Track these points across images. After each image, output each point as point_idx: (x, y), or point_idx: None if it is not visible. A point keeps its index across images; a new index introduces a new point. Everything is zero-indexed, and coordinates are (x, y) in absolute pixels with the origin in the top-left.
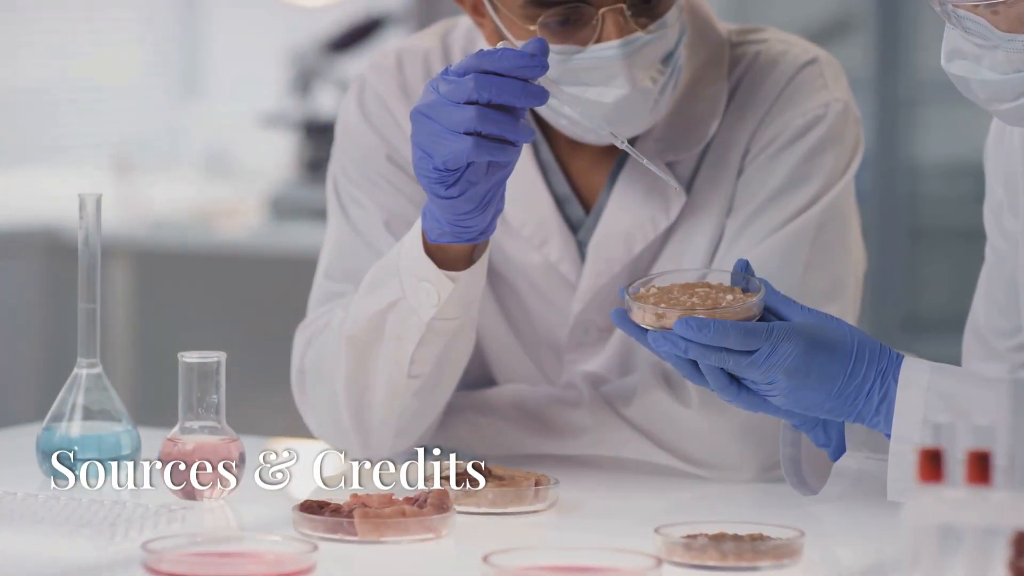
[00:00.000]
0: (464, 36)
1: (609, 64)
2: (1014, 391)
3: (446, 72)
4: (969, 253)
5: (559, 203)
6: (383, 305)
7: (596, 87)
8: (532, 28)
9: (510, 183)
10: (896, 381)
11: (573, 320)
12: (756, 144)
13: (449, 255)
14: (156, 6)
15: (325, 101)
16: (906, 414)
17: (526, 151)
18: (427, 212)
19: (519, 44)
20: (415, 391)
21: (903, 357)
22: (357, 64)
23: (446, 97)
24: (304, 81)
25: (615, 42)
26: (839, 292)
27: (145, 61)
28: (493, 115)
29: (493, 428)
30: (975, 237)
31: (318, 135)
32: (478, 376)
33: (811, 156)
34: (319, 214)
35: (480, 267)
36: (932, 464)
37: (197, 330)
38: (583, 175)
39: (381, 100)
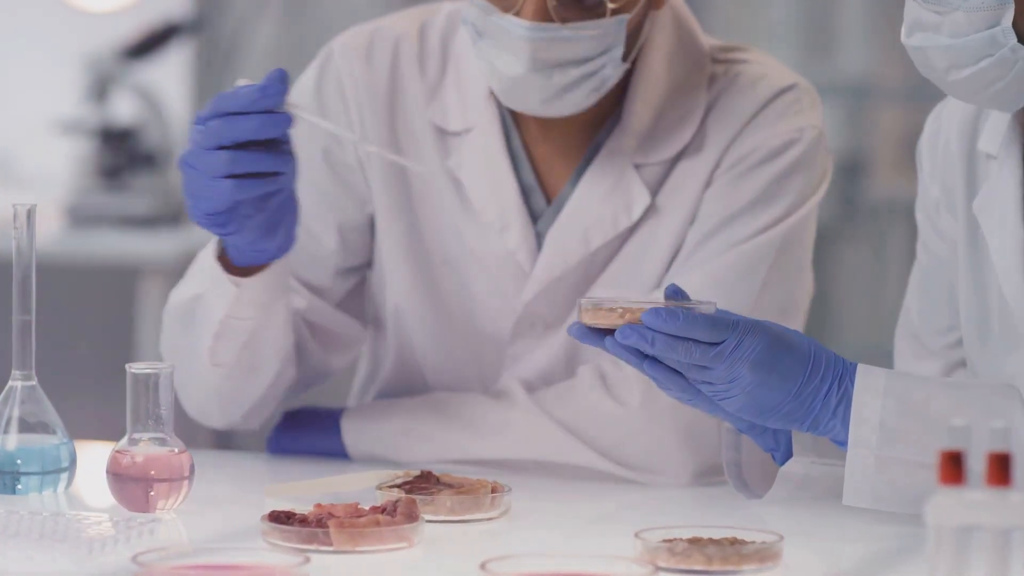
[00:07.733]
0: (444, 23)
1: (513, 40)
2: None
3: (198, 119)
4: None
5: (524, 192)
6: (191, 294)
7: (503, 55)
8: None
9: (478, 170)
10: (853, 385)
11: (521, 310)
12: (727, 159)
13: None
14: None
15: (123, 107)
16: (863, 419)
17: (496, 138)
18: None
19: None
20: (224, 377)
21: (856, 365)
22: (155, 70)
23: (199, 145)
24: (100, 87)
25: (525, 22)
26: (791, 312)
27: None
28: (245, 155)
29: (423, 433)
30: None
31: (116, 142)
32: (408, 377)
33: (781, 178)
34: (120, 221)
35: (271, 276)
36: (952, 467)
37: None
38: (547, 165)
39: (340, 86)
